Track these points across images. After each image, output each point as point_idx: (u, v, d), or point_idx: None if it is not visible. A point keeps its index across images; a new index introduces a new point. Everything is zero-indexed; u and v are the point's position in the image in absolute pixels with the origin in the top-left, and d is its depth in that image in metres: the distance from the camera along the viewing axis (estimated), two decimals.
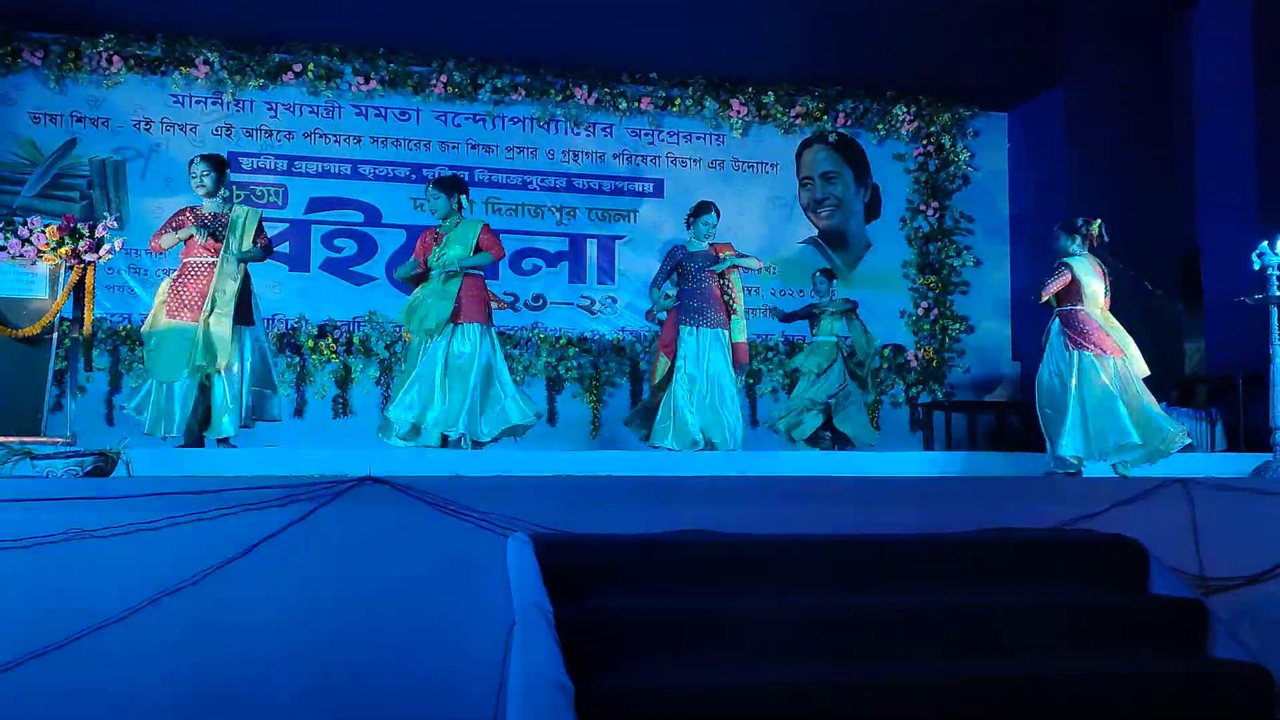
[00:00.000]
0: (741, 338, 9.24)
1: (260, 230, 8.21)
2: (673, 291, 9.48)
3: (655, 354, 9.12)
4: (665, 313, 9.71)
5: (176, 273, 8.00)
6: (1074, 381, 7.86)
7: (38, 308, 6.84)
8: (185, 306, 7.87)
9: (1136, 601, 4.80)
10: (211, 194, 8.08)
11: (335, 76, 12.05)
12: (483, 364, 8.25)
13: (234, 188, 11.30)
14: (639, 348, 11.72)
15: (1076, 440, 7.73)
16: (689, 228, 9.37)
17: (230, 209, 8.18)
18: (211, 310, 7.86)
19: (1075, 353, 7.94)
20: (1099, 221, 8.36)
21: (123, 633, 4.31)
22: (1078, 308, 8.06)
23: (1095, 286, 8.12)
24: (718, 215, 9.42)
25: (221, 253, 7.95)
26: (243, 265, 8.06)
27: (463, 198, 8.53)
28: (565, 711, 3.54)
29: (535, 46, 12.13)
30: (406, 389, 8.24)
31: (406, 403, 8.20)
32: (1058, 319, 8.10)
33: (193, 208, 8.14)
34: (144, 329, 8.05)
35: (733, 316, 9.17)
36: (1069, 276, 8.07)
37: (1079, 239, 8.26)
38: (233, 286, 7.95)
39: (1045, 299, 8.16)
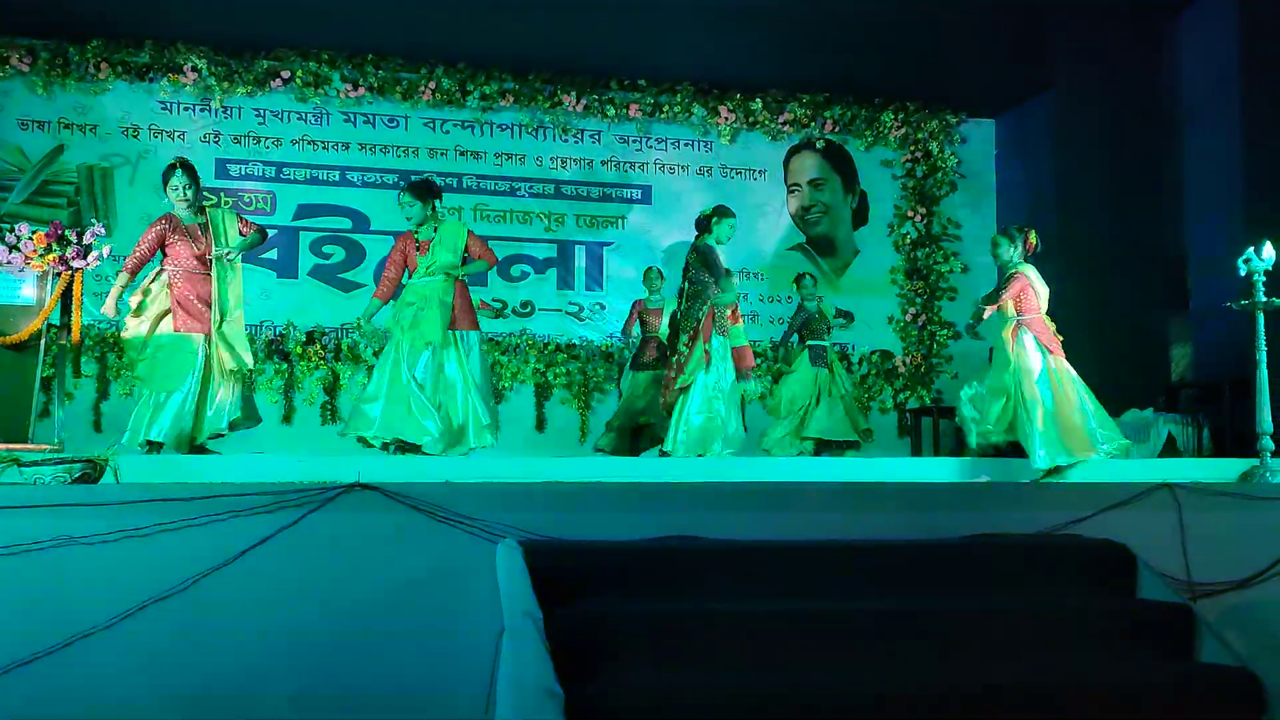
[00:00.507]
0: (744, 341, 9.24)
1: (242, 220, 8.19)
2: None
3: (688, 357, 8.99)
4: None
5: (176, 284, 7.84)
6: (1054, 385, 8.01)
7: (25, 314, 6.82)
8: (193, 317, 7.81)
9: (1124, 607, 4.81)
10: (193, 204, 8.01)
11: (324, 83, 12.06)
12: (475, 372, 8.23)
13: (221, 194, 11.36)
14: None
15: (1056, 446, 7.86)
16: (708, 230, 9.14)
17: (206, 216, 8.08)
18: (223, 317, 7.86)
19: (1052, 357, 8.12)
20: (1034, 231, 8.59)
21: (111, 640, 4.29)
22: (1037, 315, 8.25)
23: (1044, 292, 8.32)
24: None
25: (215, 258, 7.92)
26: (239, 267, 8.06)
27: (436, 202, 8.45)
28: (555, 717, 3.54)
29: (524, 53, 12.16)
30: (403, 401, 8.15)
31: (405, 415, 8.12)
32: (1024, 327, 8.21)
33: (170, 215, 7.97)
34: (130, 336, 7.89)
35: (734, 324, 9.17)
36: (1025, 283, 8.21)
37: (1019, 246, 8.41)
38: (239, 288, 7.98)
39: (1000, 307, 8.29)
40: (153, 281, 7.89)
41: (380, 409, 8.04)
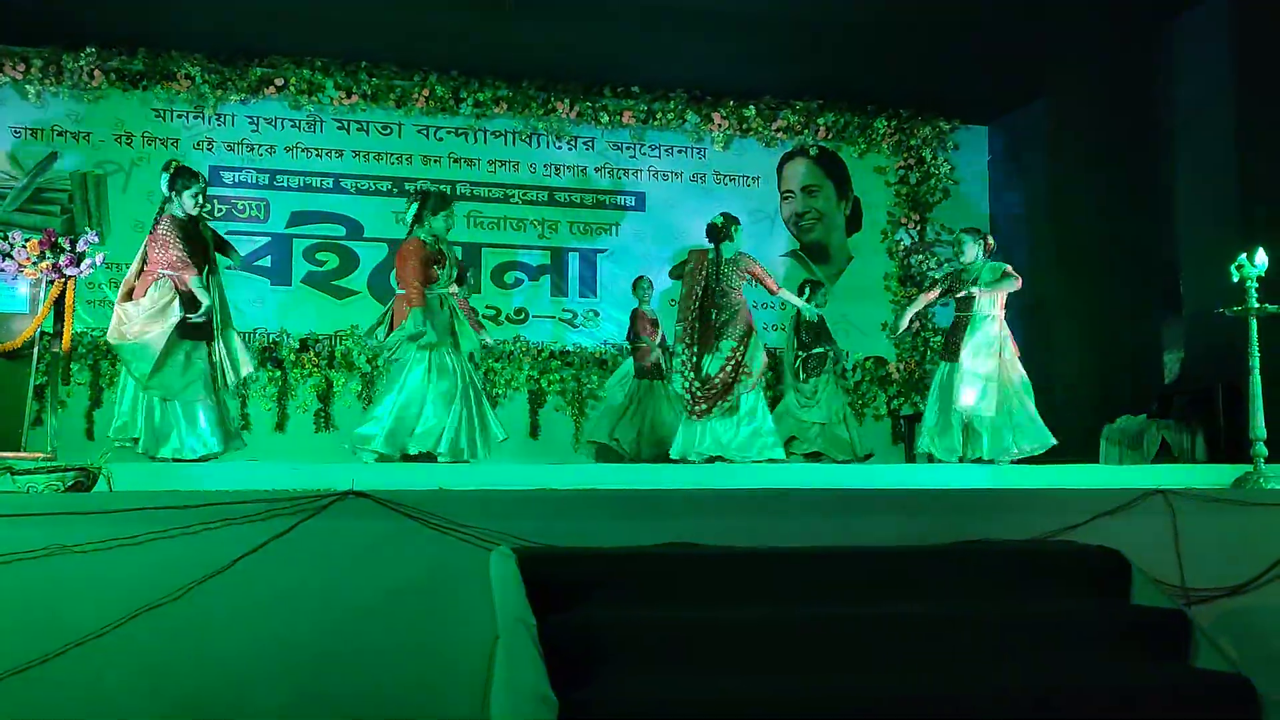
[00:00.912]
0: None
1: (217, 235, 8.21)
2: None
3: (749, 359, 9.16)
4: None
5: (181, 290, 7.73)
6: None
7: (18, 323, 6.82)
8: (200, 325, 7.75)
9: (1118, 612, 4.81)
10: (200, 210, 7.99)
11: (317, 90, 12.05)
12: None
13: (214, 201, 11.36)
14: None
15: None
16: (729, 238, 9.28)
17: (197, 223, 8.03)
18: (222, 326, 7.85)
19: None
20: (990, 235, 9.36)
21: (105, 647, 4.29)
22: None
23: None
24: None
25: (213, 270, 7.89)
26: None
27: None
28: None
29: (517, 60, 12.16)
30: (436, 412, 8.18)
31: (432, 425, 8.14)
32: (1004, 324, 8.69)
33: (176, 219, 7.87)
34: (134, 343, 7.64)
35: None
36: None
37: (981, 247, 8.86)
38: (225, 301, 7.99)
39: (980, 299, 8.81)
40: (156, 285, 7.73)
41: (431, 420, 8.07)
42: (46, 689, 4.25)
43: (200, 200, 7.88)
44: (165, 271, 7.74)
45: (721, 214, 9.43)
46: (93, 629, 4.29)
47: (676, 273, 9.70)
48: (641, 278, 11.31)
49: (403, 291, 8.26)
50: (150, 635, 4.34)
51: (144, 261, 7.78)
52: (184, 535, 4.43)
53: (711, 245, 9.29)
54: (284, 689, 4.42)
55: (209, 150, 11.92)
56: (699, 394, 9.05)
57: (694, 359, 9.11)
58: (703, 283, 9.18)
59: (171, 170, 7.94)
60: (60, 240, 6.99)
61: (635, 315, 11.20)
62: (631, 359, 11.12)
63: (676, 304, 9.47)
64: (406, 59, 12.23)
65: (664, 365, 11.01)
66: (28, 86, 11.42)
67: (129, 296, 7.73)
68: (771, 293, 9.47)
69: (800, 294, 11.20)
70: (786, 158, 13.48)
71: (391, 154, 12.41)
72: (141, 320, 7.65)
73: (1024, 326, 9.46)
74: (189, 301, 7.71)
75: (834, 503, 5.47)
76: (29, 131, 11.52)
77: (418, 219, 8.43)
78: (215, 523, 4.47)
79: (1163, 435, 10.26)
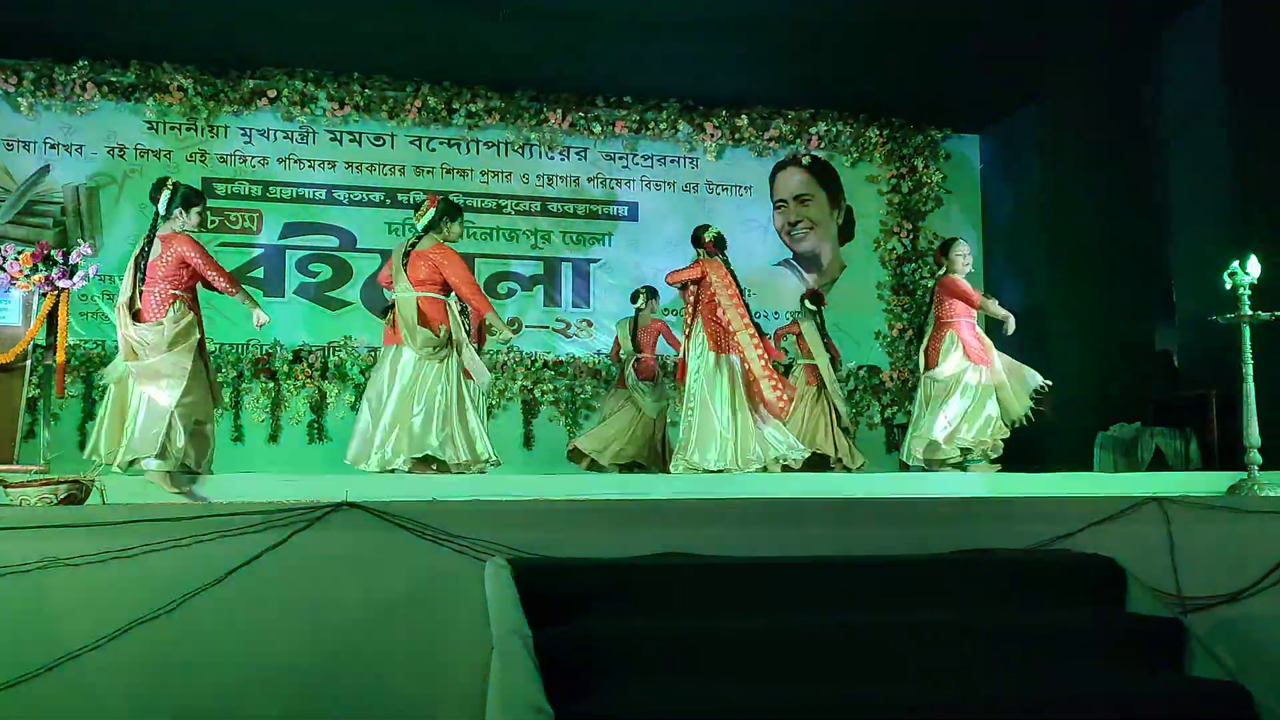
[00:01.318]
0: None
1: None
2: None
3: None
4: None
5: (191, 310, 7.53)
6: None
7: (11, 335, 6.82)
8: (204, 346, 7.67)
9: (1114, 620, 4.80)
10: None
11: (309, 102, 12.05)
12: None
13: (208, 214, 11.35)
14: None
15: None
16: (724, 250, 9.55)
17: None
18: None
19: None
20: None
21: (98, 661, 4.27)
22: None
23: None
24: None
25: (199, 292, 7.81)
26: None
27: None
28: None
29: (509, 70, 12.15)
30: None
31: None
32: None
33: (192, 237, 7.62)
34: (156, 362, 7.27)
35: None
36: None
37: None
38: None
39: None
40: (175, 305, 7.43)
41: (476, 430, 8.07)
42: (40, 703, 4.23)
43: (199, 220, 7.74)
44: (175, 291, 7.43)
45: (713, 227, 9.60)
46: (86, 642, 4.27)
47: (685, 278, 9.49)
48: (653, 289, 11.24)
49: (427, 294, 8.08)
50: (144, 648, 4.32)
51: (142, 279, 7.39)
52: (177, 548, 4.42)
53: (719, 253, 9.38)
54: (278, 702, 4.41)
55: (202, 162, 11.91)
56: (785, 394, 9.16)
57: (769, 362, 9.16)
58: (739, 287, 9.35)
59: (172, 187, 7.62)
60: (53, 253, 6.97)
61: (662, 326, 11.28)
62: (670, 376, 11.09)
63: (734, 305, 9.28)
64: (398, 70, 12.23)
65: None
66: (19, 99, 11.41)
67: (137, 318, 7.35)
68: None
69: (803, 304, 11.76)
70: (779, 167, 13.48)
71: (384, 165, 12.40)
72: (166, 341, 7.30)
73: (1019, 332, 9.45)
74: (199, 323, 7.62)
75: (831, 512, 5.47)
76: (21, 144, 11.50)
77: (435, 225, 8.26)
78: (209, 535, 4.46)
79: (1157, 442, 10.27)
